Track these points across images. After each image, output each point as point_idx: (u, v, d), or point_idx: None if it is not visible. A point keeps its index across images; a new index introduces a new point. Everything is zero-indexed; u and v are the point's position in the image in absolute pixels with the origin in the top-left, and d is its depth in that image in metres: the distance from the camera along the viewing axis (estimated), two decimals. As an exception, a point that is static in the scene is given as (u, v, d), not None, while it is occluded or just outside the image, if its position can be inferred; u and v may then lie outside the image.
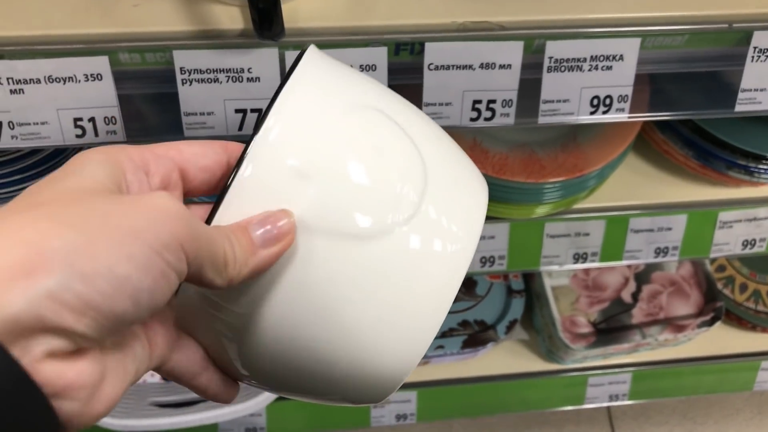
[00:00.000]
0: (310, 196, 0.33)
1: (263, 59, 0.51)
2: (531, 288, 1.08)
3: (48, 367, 0.26)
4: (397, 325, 0.34)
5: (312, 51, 0.37)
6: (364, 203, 0.34)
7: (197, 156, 0.36)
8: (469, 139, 0.75)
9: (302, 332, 0.34)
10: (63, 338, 0.26)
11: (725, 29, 0.54)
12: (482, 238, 0.83)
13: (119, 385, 0.30)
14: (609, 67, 0.54)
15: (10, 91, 0.50)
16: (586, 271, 1.08)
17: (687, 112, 0.59)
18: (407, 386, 1.06)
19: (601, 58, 0.54)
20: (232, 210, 0.33)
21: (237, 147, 0.37)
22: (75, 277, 0.26)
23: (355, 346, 0.34)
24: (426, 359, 1.04)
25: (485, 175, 0.73)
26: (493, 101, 0.55)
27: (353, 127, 0.35)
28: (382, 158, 0.35)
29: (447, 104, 0.54)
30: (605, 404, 1.11)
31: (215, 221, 0.33)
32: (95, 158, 0.33)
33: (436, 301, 0.35)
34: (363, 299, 0.34)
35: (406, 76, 0.53)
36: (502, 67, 0.53)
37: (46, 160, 0.67)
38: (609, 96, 0.56)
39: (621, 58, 0.54)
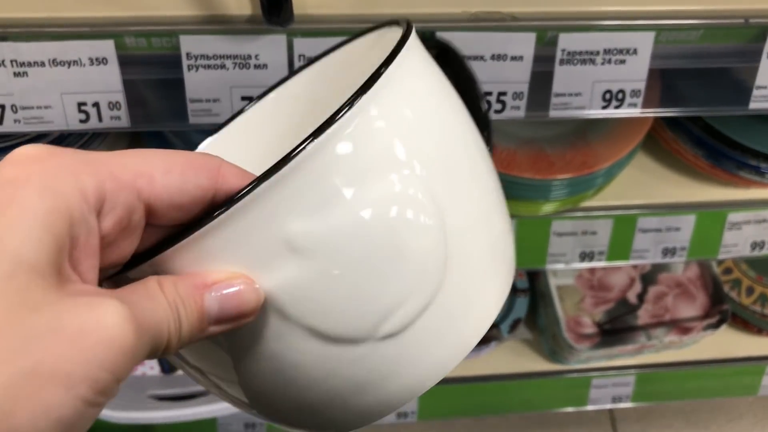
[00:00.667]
0: (292, 275, 0.27)
1: (271, 46, 0.50)
2: (535, 287, 1.07)
3: None
4: (359, 408, 0.32)
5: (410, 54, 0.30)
6: (349, 309, 0.28)
7: (172, 192, 0.27)
8: (477, 134, 0.74)
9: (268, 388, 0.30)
10: None
11: (741, 24, 0.53)
12: (488, 234, 0.82)
13: None
14: (622, 61, 0.53)
15: (14, 73, 0.49)
16: (592, 270, 1.07)
17: (700, 109, 0.59)
18: (409, 384, 1.05)
19: (615, 52, 0.53)
20: (203, 249, 0.27)
21: (233, 176, 0.28)
22: None
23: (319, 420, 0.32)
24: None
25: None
26: (504, 93, 0.54)
27: (378, 217, 0.28)
28: (396, 264, 0.28)
29: (457, 95, 0.53)
30: (608, 406, 1.10)
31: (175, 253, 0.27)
32: (32, 197, 0.24)
33: (403, 397, 0.32)
34: (325, 392, 0.30)
35: (415, 66, 0.52)
36: (513, 58, 0.52)
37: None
38: (621, 90, 0.55)
39: (635, 52, 0.53)
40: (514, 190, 0.75)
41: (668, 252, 0.85)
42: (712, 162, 0.79)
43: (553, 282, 1.04)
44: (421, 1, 0.51)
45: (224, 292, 0.26)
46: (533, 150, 0.75)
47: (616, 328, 1.03)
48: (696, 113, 0.56)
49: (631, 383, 1.09)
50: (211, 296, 0.26)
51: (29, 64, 0.49)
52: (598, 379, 1.07)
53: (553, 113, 0.55)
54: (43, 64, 0.49)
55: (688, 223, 0.83)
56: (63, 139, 0.67)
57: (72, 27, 0.49)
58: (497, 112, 0.54)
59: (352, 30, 0.51)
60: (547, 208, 0.78)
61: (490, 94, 0.54)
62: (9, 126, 0.51)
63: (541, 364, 1.07)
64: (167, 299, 0.25)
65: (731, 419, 1.24)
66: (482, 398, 1.07)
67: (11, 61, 0.49)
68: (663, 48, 0.54)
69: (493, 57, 0.52)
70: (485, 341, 1.02)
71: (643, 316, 1.04)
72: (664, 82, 0.58)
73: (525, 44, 0.52)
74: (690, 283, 1.06)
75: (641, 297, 1.06)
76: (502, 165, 0.72)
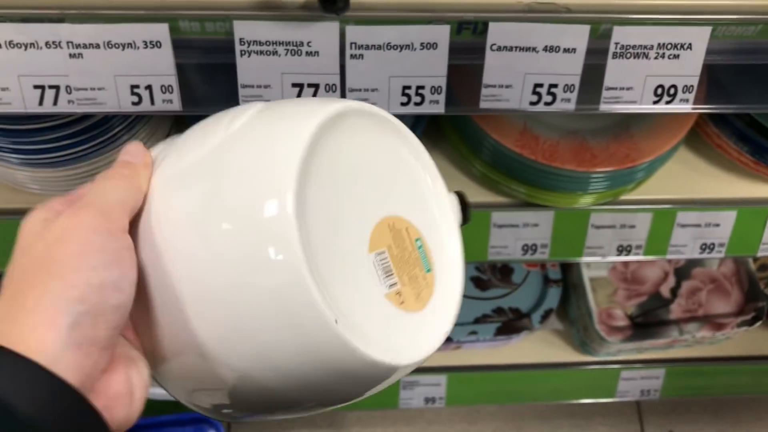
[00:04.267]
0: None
1: (323, 33, 0.50)
2: (568, 278, 1.07)
3: (99, 386, 0.31)
4: None
5: None
6: None
7: None
8: (519, 123, 0.74)
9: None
10: (98, 354, 0.31)
11: (800, 21, 0.52)
12: (525, 225, 0.81)
13: (143, 391, 0.33)
14: (676, 56, 0.53)
15: (69, 55, 0.50)
16: (626, 263, 1.06)
17: (751, 106, 0.58)
18: (438, 369, 1.05)
19: (669, 46, 0.52)
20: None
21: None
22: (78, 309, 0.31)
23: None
24: (458, 344, 1.03)
25: (534, 162, 0.72)
26: (555, 86, 0.53)
27: None
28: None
29: (507, 86, 0.53)
30: (636, 399, 1.10)
31: None
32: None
33: None
34: None
35: (467, 56, 0.52)
36: (566, 50, 0.52)
37: (95, 126, 0.67)
38: (674, 86, 0.54)
39: (689, 47, 0.52)
40: (553, 181, 0.74)
41: (706, 248, 0.84)
42: (756, 158, 0.78)
43: (587, 273, 1.03)
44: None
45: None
46: (576, 141, 0.74)
47: (648, 322, 1.03)
48: (746, 110, 0.56)
49: (660, 377, 1.09)
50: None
51: (84, 46, 0.50)
52: (627, 371, 1.07)
53: (604, 107, 0.54)
54: (98, 46, 0.50)
55: (728, 219, 0.82)
56: (108, 120, 0.67)
57: (127, 10, 0.49)
58: (547, 104, 0.54)
59: (403, 19, 0.51)
60: (585, 200, 0.78)
61: (540, 86, 0.53)
62: (63, 106, 0.52)
63: (571, 355, 1.07)
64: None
65: (760, 417, 1.23)
66: (510, 386, 1.08)
67: (67, 43, 0.49)
68: (718, 43, 0.53)
69: (545, 48, 0.52)
70: (516, 330, 1.02)
71: (675, 310, 1.03)
72: (713, 77, 0.57)
73: (578, 37, 0.51)
74: (725, 279, 1.05)
75: (674, 291, 1.05)
76: (545, 156, 0.72)
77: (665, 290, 1.05)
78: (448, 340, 1.00)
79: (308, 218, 0.33)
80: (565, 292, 1.06)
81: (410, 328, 0.37)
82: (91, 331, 0.30)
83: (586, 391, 1.10)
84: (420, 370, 1.07)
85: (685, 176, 0.82)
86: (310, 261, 0.32)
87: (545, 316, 1.03)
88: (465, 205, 0.42)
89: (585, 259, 0.84)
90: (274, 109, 0.37)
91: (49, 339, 0.29)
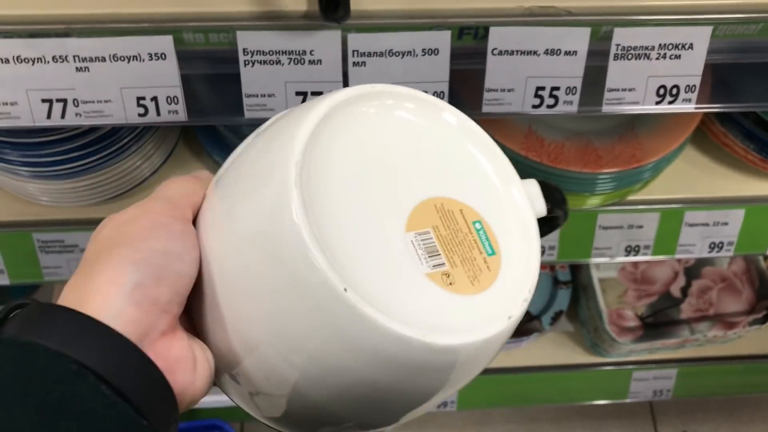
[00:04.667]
0: None
1: (325, 42, 0.51)
2: (578, 279, 1.07)
3: (159, 347, 0.32)
4: None
5: None
6: None
7: None
8: (524, 126, 0.74)
9: None
10: (158, 315, 0.32)
11: (802, 18, 0.52)
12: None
13: (206, 365, 0.34)
14: (678, 56, 0.53)
15: (76, 68, 0.50)
16: (635, 264, 1.06)
17: (755, 105, 0.58)
18: (449, 374, 1.05)
19: (670, 47, 0.52)
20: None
21: None
22: (141, 270, 0.33)
23: None
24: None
25: (540, 165, 0.72)
26: (557, 88, 0.54)
27: None
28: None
29: (509, 90, 0.53)
30: (648, 399, 1.09)
31: None
32: None
33: None
34: None
35: (468, 60, 0.52)
36: (567, 53, 0.52)
37: (104, 138, 0.68)
38: (676, 86, 0.54)
39: (690, 46, 0.52)
40: (560, 182, 0.75)
41: (715, 246, 0.84)
42: (763, 156, 0.78)
43: (596, 274, 1.03)
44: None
45: None
46: (581, 143, 0.75)
47: (658, 322, 1.03)
48: (751, 108, 0.56)
49: (672, 377, 1.08)
50: None
51: (90, 60, 0.50)
52: (639, 372, 1.07)
53: (606, 108, 0.55)
54: (103, 59, 0.50)
55: (736, 217, 0.82)
56: (116, 131, 0.68)
57: (132, 23, 0.50)
58: (550, 107, 0.54)
59: (405, 26, 0.51)
60: (593, 201, 0.78)
61: (543, 89, 0.54)
62: (70, 119, 0.52)
63: (582, 356, 1.07)
64: None
65: (775, 415, 1.22)
66: (522, 389, 1.08)
67: (74, 57, 0.50)
68: (720, 42, 0.53)
69: (546, 52, 0.52)
70: (526, 333, 1.02)
71: (686, 310, 1.03)
72: (717, 76, 0.57)
73: (579, 39, 0.52)
74: (735, 278, 1.05)
75: (685, 291, 1.05)
76: (550, 158, 0.72)
77: (675, 290, 1.05)
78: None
79: (320, 189, 0.33)
80: (574, 294, 1.06)
81: (460, 310, 0.34)
82: (152, 292, 0.32)
83: (598, 392, 1.09)
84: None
85: (692, 175, 0.82)
86: (314, 227, 0.32)
87: (555, 318, 1.03)
88: (550, 193, 0.40)
89: (593, 260, 0.84)
90: (297, 107, 0.38)
91: (111, 297, 0.31)
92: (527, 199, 0.39)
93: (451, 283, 0.34)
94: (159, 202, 0.35)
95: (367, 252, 0.33)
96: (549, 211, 0.40)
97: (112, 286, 0.31)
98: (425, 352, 0.32)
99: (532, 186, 0.40)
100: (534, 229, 0.38)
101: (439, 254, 0.35)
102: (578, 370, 1.06)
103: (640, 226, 0.82)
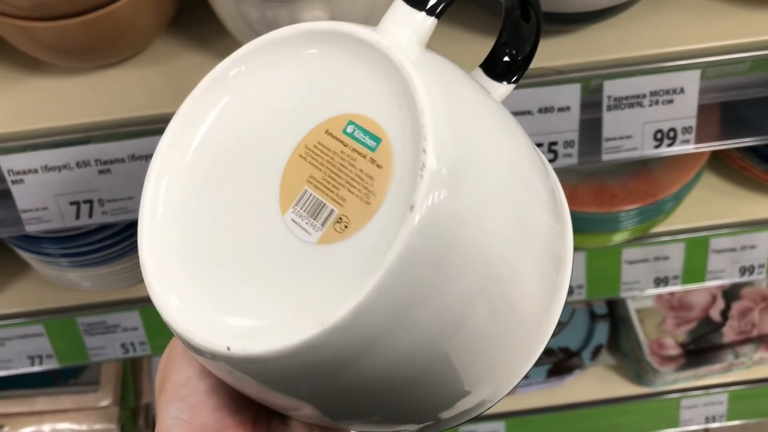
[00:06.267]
0: None
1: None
2: (615, 311, 1.06)
3: None
4: None
5: None
6: None
7: None
8: (536, 172, 0.75)
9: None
10: None
11: (789, 52, 0.53)
12: (558, 268, 0.82)
13: None
14: (670, 101, 0.54)
15: (98, 171, 0.54)
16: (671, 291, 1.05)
17: (758, 138, 0.58)
18: (495, 416, 1.05)
19: (661, 93, 0.54)
20: None
21: None
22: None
23: None
24: (512, 388, 1.03)
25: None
26: (555, 143, 0.55)
27: None
28: None
29: (508, 150, 0.55)
30: (702, 426, 1.08)
31: None
32: None
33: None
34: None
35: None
36: (560, 109, 0.54)
37: (133, 225, 0.71)
38: (672, 129, 0.55)
39: (681, 90, 0.54)
40: (580, 224, 0.75)
41: (746, 270, 0.83)
42: (782, 178, 0.78)
43: (632, 305, 1.03)
44: (464, 60, 0.53)
45: None
46: (595, 183, 0.76)
47: (700, 348, 1.01)
48: (754, 143, 0.56)
49: (724, 401, 1.06)
50: None
51: (111, 162, 0.54)
52: (687, 399, 1.05)
53: (606, 157, 0.56)
54: (123, 160, 0.54)
55: (763, 240, 0.81)
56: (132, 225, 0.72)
57: (146, 124, 0.53)
58: (550, 161, 0.56)
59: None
60: (618, 237, 0.78)
61: (540, 145, 0.55)
62: (98, 218, 0.56)
63: (628, 388, 1.06)
64: None
65: (836, 432, 1.19)
66: (570, 426, 1.07)
67: (95, 161, 0.54)
68: (711, 83, 0.54)
69: (540, 110, 0.54)
70: (567, 370, 1.02)
71: (728, 333, 1.02)
72: (720, 112, 0.58)
73: (571, 95, 0.53)
74: (776, 296, 1.03)
75: (725, 314, 1.03)
76: (564, 202, 0.73)
77: (715, 314, 1.04)
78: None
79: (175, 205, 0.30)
80: (613, 326, 1.05)
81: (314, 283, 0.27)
82: (196, 420, 0.32)
83: (648, 423, 1.08)
84: (477, 418, 1.07)
85: (714, 201, 0.82)
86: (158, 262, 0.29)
87: (596, 353, 1.02)
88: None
89: (623, 294, 0.84)
90: None
91: None
92: (397, 26, 0.29)
93: (346, 226, 0.27)
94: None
95: (232, 266, 0.28)
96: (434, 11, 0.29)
97: None
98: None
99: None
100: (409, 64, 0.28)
101: (324, 204, 0.28)
102: (625, 402, 1.05)
103: (666, 257, 0.82)
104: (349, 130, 0.28)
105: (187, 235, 0.30)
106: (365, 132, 0.28)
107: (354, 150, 0.28)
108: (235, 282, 0.28)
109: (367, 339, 0.26)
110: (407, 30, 0.29)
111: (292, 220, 0.28)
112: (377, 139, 0.28)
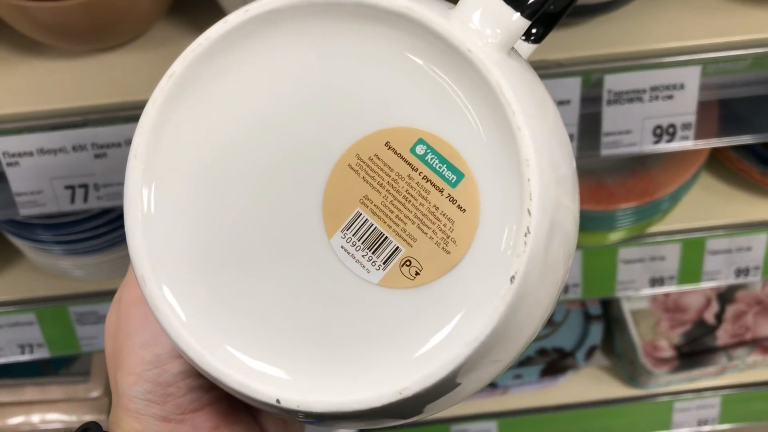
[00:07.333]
0: None
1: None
2: (609, 312, 1.06)
3: None
4: None
5: None
6: None
7: None
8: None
9: None
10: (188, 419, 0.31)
11: (790, 50, 0.53)
12: (554, 266, 0.82)
13: None
14: (670, 96, 0.54)
15: (95, 155, 0.54)
16: (666, 292, 1.05)
17: (757, 136, 0.58)
18: (487, 416, 1.05)
19: (661, 88, 0.54)
20: None
21: None
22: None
23: None
24: (505, 388, 1.03)
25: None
26: (554, 137, 0.55)
27: None
28: None
29: (507, 143, 0.55)
30: (694, 429, 1.08)
31: None
32: None
33: None
34: None
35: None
36: (561, 103, 0.53)
37: (121, 216, 0.71)
38: (672, 125, 0.55)
39: (682, 86, 0.53)
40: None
41: (741, 272, 0.83)
42: (780, 179, 0.78)
43: (627, 306, 1.03)
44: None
45: None
46: (592, 180, 0.76)
47: (694, 351, 1.01)
48: (753, 141, 0.56)
49: (716, 405, 1.06)
50: None
51: (107, 146, 0.53)
52: (680, 402, 1.05)
53: (605, 152, 0.56)
54: (119, 145, 0.53)
55: (759, 242, 0.81)
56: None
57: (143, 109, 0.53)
58: (549, 155, 0.56)
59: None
60: (614, 236, 0.78)
61: (540, 138, 0.55)
62: (92, 203, 0.55)
63: (621, 390, 1.06)
64: None
65: (828, 438, 1.19)
66: (563, 427, 1.07)
67: (91, 144, 0.53)
68: (711, 79, 0.54)
69: (540, 103, 0.54)
70: (561, 371, 1.02)
71: (722, 336, 1.02)
72: (720, 110, 0.58)
73: (571, 88, 0.53)
74: (770, 300, 1.03)
75: (719, 317, 1.03)
76: (562, 199, 0.73)
77: (709, 316, 1.04)
78: (492, 385, 1.01)
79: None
80: (607, 327, 1.05)
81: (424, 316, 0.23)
82: (169, 402, 0.31)
83: (641, 425, 1.08)
84: (469, 417, 1.07)
85: (711, 202, 0.82)
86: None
87: (590, 353, 1.02)
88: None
89: (618, 294, 0.84)
90: None
91: (136, 427, 0.31)
92: (482, 27, 0.23)
93: (417, 273, 0.23)
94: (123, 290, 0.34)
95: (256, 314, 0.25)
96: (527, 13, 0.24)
97: (130, 417, 0.31)
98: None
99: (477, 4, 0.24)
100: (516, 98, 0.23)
101: (387, 238, 0.23)
102: (618, 404, 1.05)
103: (662, 258, 0.82)
104: (419, 151, 0.24)
105: (202, 258, 0.25)
106: (442, 160, 0.24)
107: (426, 179, 0.24)
108: (281, 324, 0.24)
109: (438, 397, 0.24)
110: (498, 31, 0.24)
111: (342, 247, 0.24)
112: (459, 174, 0.24)
